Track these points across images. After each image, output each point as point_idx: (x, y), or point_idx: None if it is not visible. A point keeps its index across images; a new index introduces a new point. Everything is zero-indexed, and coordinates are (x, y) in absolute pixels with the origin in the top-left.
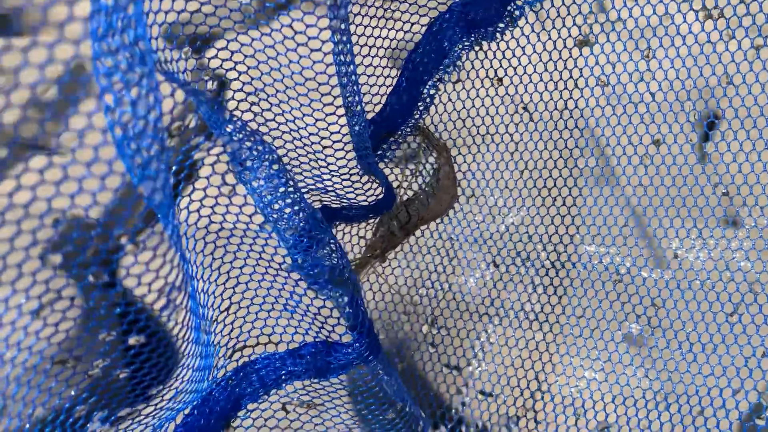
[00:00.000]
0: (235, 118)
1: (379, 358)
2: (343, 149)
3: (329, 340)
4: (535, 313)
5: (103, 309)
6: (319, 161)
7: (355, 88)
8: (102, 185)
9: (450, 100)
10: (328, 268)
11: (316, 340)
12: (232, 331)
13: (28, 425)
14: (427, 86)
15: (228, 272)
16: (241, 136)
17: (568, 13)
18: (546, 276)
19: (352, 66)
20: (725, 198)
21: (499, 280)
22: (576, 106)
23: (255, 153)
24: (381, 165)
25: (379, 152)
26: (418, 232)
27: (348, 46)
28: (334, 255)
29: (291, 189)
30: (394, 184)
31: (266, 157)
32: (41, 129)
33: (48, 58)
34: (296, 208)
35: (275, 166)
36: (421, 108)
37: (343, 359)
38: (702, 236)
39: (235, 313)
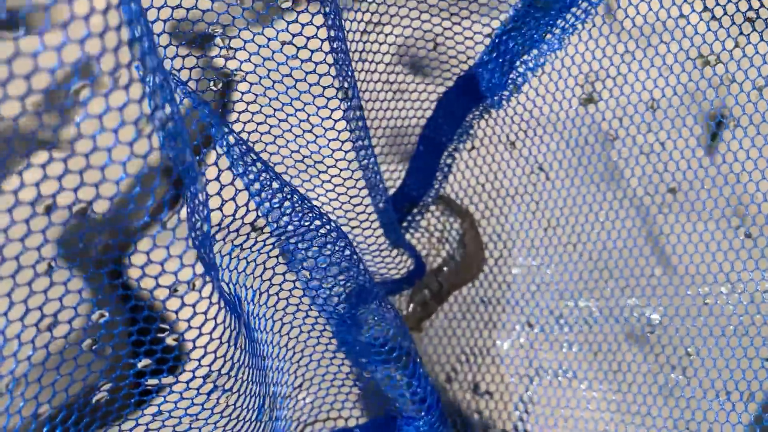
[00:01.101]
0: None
1: (448, 429)
2: (370, 227)
3: (401, 414)
4: (573, 371)
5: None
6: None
7: (374, 165)
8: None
9: (467, 167)
10: (397, 345)
11: (388, 415)
12: (304, 407)
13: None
14: (444, 156)
15: (302, 350)
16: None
17: (569, 74)
18: (580, 333)
19: (368, 142)
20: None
21: (534, 341)
22: (590, 162)
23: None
24: (408, 236)
25: (404, 224)
26: (451, 299)
27: (362, 122)
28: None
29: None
30: (422, 254)
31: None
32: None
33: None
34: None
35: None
36: (440, 178)
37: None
38: (730, 280)
39: (307, 389)
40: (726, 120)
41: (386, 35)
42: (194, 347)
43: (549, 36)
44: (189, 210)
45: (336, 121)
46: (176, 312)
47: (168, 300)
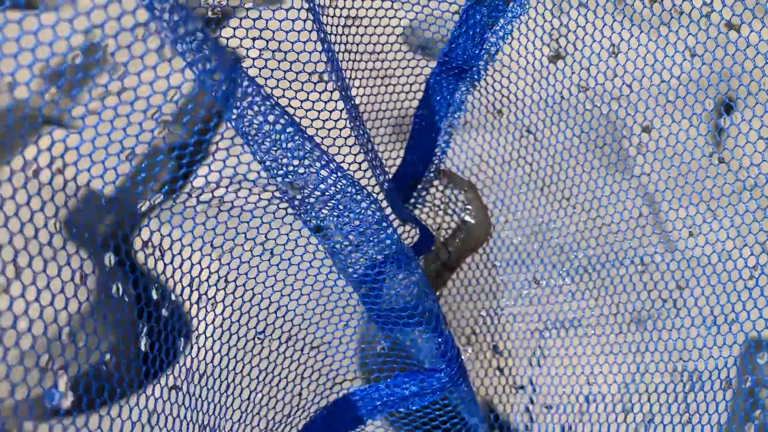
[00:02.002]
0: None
1: (467, 381)
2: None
3: (423, 367)
4: (578, 320)
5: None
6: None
7: (370, 145)
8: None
9: (464, 140)
10: (421, 303)
11: (409, 368)
12: (332, 363)
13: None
14: (441, 133)
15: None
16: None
17: (536, 36)
18: (581, 282)
19: (360, 122)
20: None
21: (542, 295)
22: (568, 116)
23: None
24: (415, 212)
25: (411, 201)
26: (463, 266)
27: (352, 106)
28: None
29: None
30: (430, 226)
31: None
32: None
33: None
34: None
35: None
36: (439, 153)
37: (436, 384)
38: (710, 208)
39: (336, 347)
40: (683, 52)
41: (365, 27)
42: None
43: (511, 3)
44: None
45: (326, 102)
46: None
47: None
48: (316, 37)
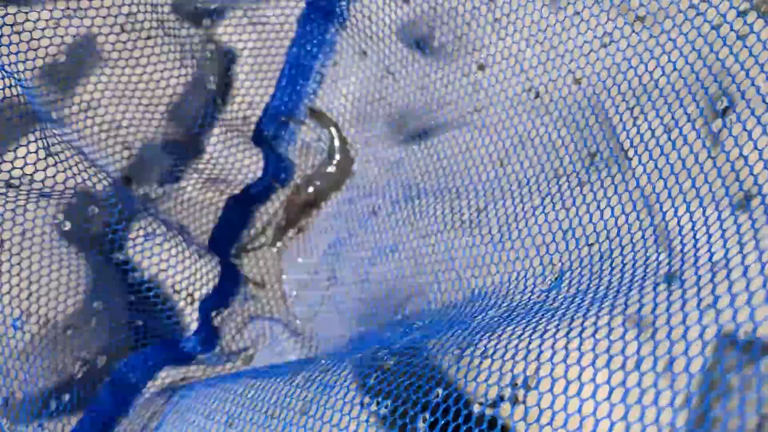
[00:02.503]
0: None
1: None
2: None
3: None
4: (395, 245)
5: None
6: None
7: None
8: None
9: (333, 81)
10: None
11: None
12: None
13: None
14: (313, 73)
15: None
16: None
17: None
18: (406, 209)
19: None
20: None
21: (376, 224)
22: (421, 56)
23: None
24: (284, 146)
25: (280, 135)
26: (327, 202)
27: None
28: None
29: None
30: (298, 163)
31: None
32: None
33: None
34: None
35: None
36: (310, 93)
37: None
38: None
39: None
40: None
41: None
42: None
43: None
44: None
45: None
46: None
47: None
48: None
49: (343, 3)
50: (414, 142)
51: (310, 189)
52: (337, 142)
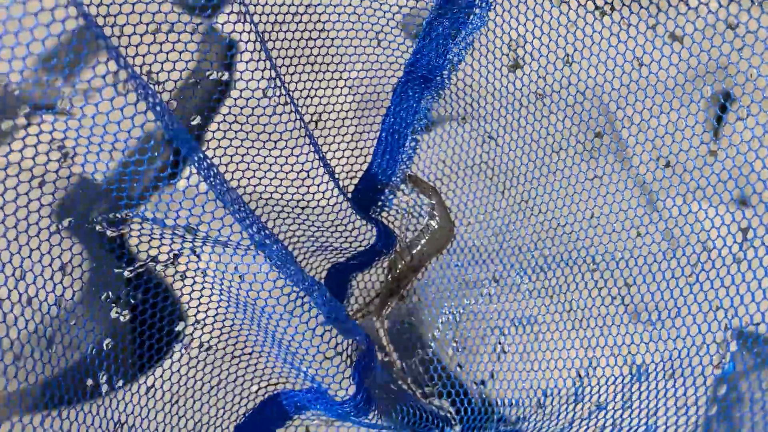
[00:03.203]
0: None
1: (373, 409)
2: (327, 204)
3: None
4: (534, 317)
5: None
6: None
7: (315, 147)
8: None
9: (429, 146)
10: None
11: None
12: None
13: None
14: (408, 140)
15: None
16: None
17: (495, 46)
18: (537, 280)
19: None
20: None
21: (501, 293)
22: (527, 122)
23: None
24: (382, 215)
25: (378, 204)
26: (429, 267)
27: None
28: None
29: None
30: (396, 230)
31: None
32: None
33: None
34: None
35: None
36: (405, 159)
37: (340, 411)
38: (657, 209)
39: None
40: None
41: (333, 39)
42: None
43: (472, 16)
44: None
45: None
46: None
47: None
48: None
49: (445, 72)
50: (521, 207)
51: (412, 255)
52: (436, 206)
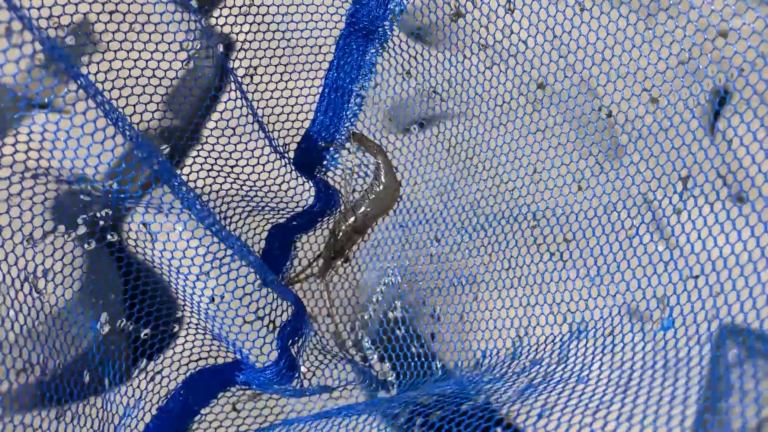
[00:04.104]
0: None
1: (296, 376)
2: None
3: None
4: (473, 276)
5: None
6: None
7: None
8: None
9: (374, 102)
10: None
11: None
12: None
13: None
14: (352, 96)
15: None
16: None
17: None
18: (477, 239)
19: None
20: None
21: (442, 253)
22: (471, 75)
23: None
24: (327, 174)
25: (323, 162)
26: (374, 227)
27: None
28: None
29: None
30: (342, 189)
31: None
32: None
33: None
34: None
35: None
36: (350, 116)
37: (263, 378)
38: (598, 161)
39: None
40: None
41: None
42: None
43: None
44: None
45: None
46: None
47: None
48: None
49: (386, 23)
50: (466, 165)
51: (356, 216)
52: (382, 166)
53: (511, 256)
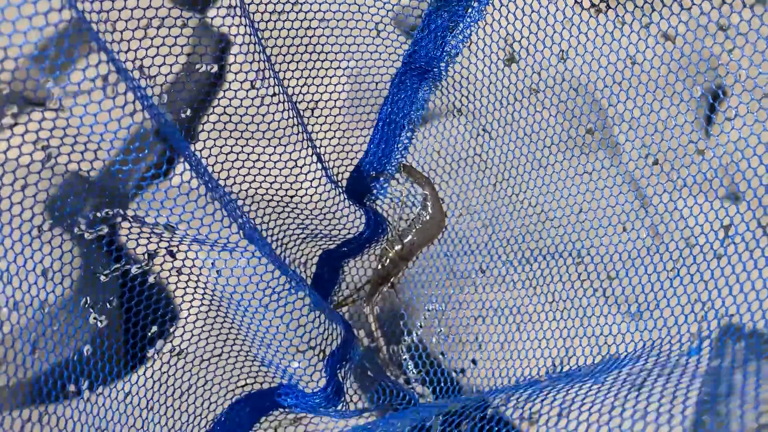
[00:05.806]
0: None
1: (342, 399)
2: (315, 192)
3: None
4: (517, 307)
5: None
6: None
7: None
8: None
9: (424, 137)
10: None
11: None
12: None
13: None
14: (404, 131)
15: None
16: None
17: (492, 40)
18: (522, 272)
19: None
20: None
21: (486, 284)
22: (521, 116)
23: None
24: (376, 203)
25: (372, 192)
26: (419, 255)
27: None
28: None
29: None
30: (389, 218)
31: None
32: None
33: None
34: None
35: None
36: (401, 149)
37: (310, 402)
38: (643, 205)
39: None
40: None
41: (332, 28)
42: None
43: (470, 9)
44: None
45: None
46: None
47: None
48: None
49: (443, 64)
50: (512, 200)
51: (403, 243)
52: (429, 197)
53: (555, 290)
